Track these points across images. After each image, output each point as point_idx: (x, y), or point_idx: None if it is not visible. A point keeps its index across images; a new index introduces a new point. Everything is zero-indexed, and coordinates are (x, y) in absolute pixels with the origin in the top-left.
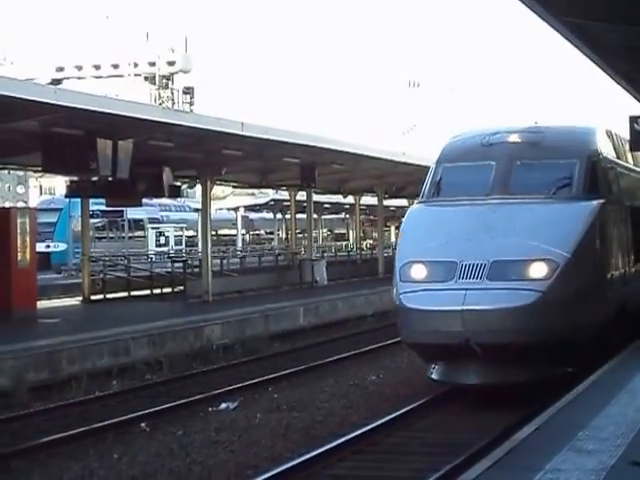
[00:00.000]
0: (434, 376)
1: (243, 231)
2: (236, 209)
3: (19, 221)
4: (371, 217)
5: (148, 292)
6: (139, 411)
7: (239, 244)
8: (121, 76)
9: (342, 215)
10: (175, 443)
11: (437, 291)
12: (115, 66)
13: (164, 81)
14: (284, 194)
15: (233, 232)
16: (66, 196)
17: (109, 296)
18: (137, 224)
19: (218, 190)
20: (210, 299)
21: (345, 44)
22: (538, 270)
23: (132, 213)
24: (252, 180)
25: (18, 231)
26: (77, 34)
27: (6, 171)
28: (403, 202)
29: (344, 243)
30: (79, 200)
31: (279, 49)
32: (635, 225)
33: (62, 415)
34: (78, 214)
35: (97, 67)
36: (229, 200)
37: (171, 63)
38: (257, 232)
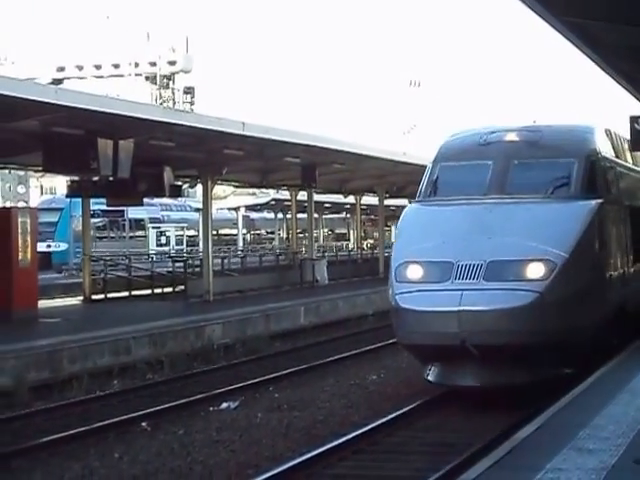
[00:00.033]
0: (430, 378)
1: (244, 231)
2: (237, 209)
3: (20, 221)
4: (372, 217)
5: (149, 292)
6: (140, 410)
7: (240, 244)
8: (122, 76)
9: (343, 215)
10: (176, 442)
11: (433, 292)
12: (116, 66)
13: (165, 81)
14: (285, 194)
15: (234, 232)
16: (67, 196)
17: (110, 296)
18: (138, 224)
19: (219, 190)
20: (211, 299)
21: (346, 43)
22: (535, 270)
23: (133, 213)
24: (253, 180)
25: (19, 231)
26: (78, 34)
27: (7, 171)
28: (404, 202)
29: (345, 243)
30: (80, 200)
31: (280, 49)
32: (634, 225)
33: (63, 414)
34: (79, 214)
35: (98, 67)
36: (230, 200)
37: (172, 63)
38: (258, 232)
